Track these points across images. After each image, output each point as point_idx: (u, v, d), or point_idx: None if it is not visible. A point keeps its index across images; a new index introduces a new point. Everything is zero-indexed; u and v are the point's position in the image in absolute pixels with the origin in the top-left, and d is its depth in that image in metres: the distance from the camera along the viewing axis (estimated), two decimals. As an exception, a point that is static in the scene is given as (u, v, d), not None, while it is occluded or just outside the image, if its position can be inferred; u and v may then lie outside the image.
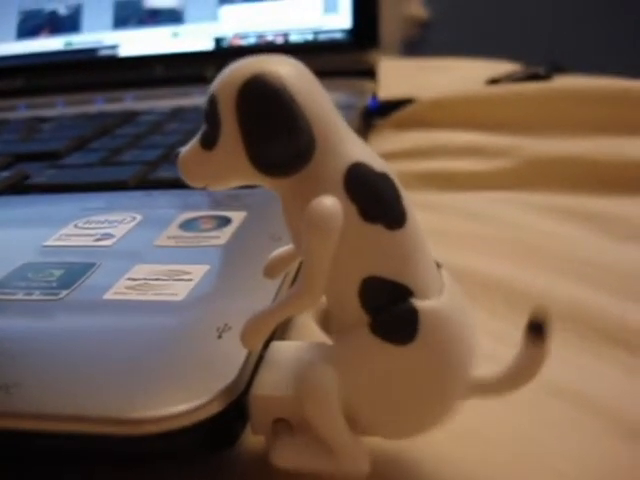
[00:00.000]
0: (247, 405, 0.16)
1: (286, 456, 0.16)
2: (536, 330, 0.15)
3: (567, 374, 0.21)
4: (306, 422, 0.16)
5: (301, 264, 0.15)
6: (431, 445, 0.18)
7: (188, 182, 0.16)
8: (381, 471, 0.17)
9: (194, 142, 0.16)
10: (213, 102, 0.15)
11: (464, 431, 0.18)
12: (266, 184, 0.16)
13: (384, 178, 0.15)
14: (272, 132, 0.15)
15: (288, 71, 0.15)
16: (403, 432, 0.16)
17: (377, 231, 0.15)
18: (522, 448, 0.18)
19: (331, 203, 0.14)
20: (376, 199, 0.15)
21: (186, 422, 0.15)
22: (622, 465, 0.18)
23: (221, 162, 0.15)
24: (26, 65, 0.54)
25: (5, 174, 0.32)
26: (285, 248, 0.18)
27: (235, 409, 0.16)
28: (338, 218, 0.14)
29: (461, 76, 0.58)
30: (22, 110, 0.49)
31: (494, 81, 0.51)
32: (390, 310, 0.15)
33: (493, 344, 0.20)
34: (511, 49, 0.87)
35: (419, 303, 0.15)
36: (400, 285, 0.15)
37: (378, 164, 0.15)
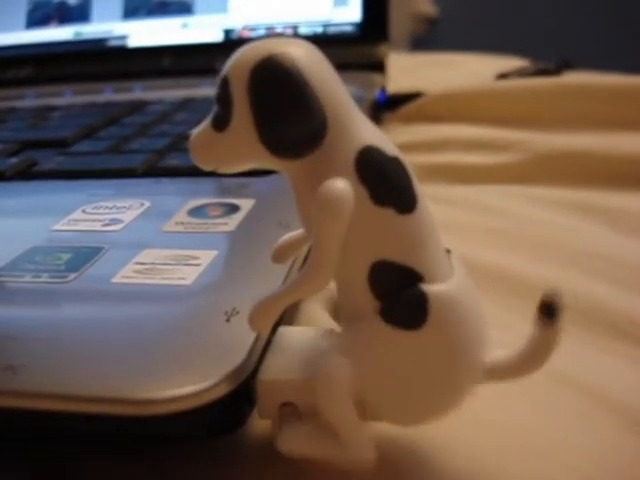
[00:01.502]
0: (254, 389, 0.16)
1: (292, 443, 0.16)
2: (548, 311, 0.15)
3: (573, 366, 0.21)
4: (313, 407, 0.16)
5: (310, 249, 0.15)
6: (436, 433, 0.18)
7: (198, 164, 0.16)
8: (386, 458, 0.17)
9: (206, 124, 0.16)
10: (225, 83, 0.15)
11: (470, 420, 0.17)
12: (277, 166, 0.16)
13: (395, 162, 0.15)
14: (284, 113, 0.14)
15: (300, 52, 0.15)
16: (415, 418, 0.16)
17: (387, 215, 0.15)
18: (527, 439, 0.18)
19: (342, 186, 0.14)
20: (387, 183, 0.15)
21: (193, 404, 0.15)
22: (626, 456, 0.18)
23: (232, 144, 0.15)
24: (35, 54, 0.53)
25: (13, 160, 0.32)
26: (294, 233, 0.18)
27: (242, 392, 0.16)
28: (349, 201, 0.14)
29: (470, 71, 0.58)
30: (31, 99, 0.49)
31: (503, 76, 0.51)
32: (400, 295, 0.15)
33: (498, 334, 0.20)
34: (520, 46, 0.87)
35: (429, 287, 0.15)
36: (410, 270, 0.15)
37: (390, 148, 0.15)
